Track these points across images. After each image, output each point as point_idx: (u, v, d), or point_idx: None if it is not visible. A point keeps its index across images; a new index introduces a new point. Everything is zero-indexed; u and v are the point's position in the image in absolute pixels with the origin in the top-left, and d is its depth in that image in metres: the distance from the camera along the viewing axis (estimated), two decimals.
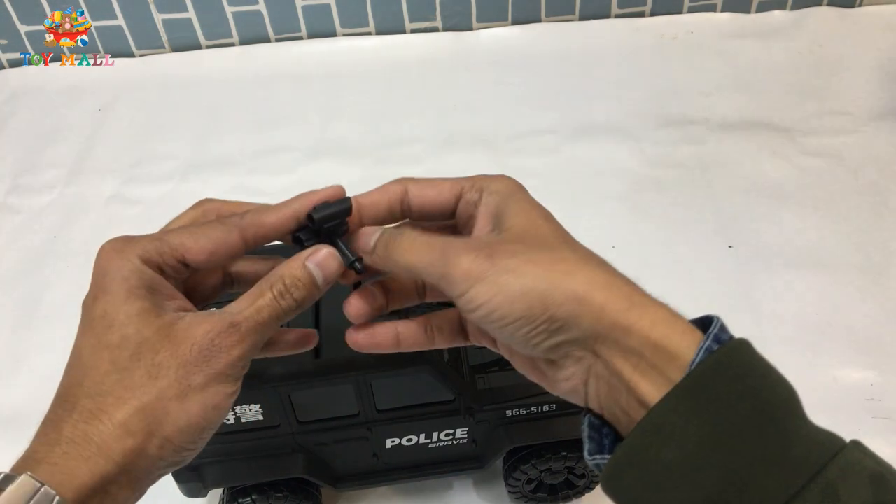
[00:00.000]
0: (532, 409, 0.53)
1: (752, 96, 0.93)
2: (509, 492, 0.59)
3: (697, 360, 0.31)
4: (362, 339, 0.40)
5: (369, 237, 0.38)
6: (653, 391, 0.31)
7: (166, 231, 0.37)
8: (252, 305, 0.35)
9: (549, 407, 0.53)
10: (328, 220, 0.37)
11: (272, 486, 0.55)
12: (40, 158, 0.93)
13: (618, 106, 0.93)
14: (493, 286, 0.33)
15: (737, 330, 0.33)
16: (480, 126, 0.91)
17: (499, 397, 0.53)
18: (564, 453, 0.55)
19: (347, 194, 0.39)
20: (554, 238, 0.36)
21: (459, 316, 0.40)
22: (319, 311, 0.50)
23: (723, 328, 0.32)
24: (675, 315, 0.33)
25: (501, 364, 0.54)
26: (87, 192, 0.89)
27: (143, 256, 0.35)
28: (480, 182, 0.38)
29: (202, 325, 0.34)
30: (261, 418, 0.51)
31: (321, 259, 0.37)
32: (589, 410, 0.36)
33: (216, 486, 0.55)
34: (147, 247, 0.35)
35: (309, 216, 0.37)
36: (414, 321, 0.40)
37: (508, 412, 0.54)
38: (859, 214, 0.80)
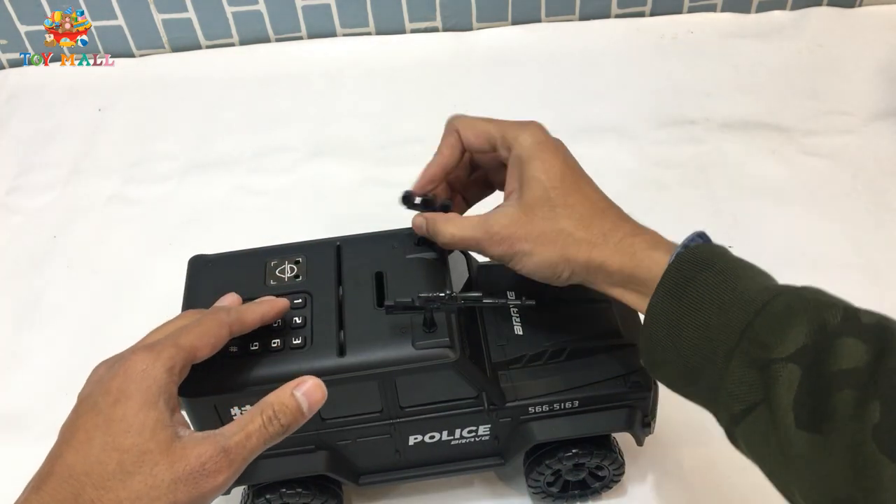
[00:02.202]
0: (555, 405, 0.54)
1: (752, 96, 0.93)
2: (529, 486, 0.59)
3: (671, 261, 0.44)
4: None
5: (419, 226, 0.52)
6: (636, 300, 0.46)
7: (178, 335, 0.42)
8: (242, 431, 0.40)
9: (573, 403, 0.54)
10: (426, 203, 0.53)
11: (294, 482, 0.55)
12: (40, 158, 0.93)
13: (618, 106, 0.93)
14: (519, 263, 0.49)
15: None
16: None
17: (521, 394, 0.53)
18: (582, 450, 0.55)
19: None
20: (560, 205, 0.48)
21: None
22: (343, 312, 0.50)
23: (696, 238, 0.45)
24: (637, 253, 0.46)
25: (524, 361, 0.54)
26: (87, 192, 0.89)
27: (168, 367, 0.40)
28: (510, 137, 0.52)
29: (196, 448, 0.38)
30: None
31: (307, 388, 0.42)
32: None
33: (239, 483, 0.55)
34: (174, 355, 0.41)
35: (407, 198, 0.53)
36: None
37: (531, 409, 0.54)
38: (859, 214, 0.80)
